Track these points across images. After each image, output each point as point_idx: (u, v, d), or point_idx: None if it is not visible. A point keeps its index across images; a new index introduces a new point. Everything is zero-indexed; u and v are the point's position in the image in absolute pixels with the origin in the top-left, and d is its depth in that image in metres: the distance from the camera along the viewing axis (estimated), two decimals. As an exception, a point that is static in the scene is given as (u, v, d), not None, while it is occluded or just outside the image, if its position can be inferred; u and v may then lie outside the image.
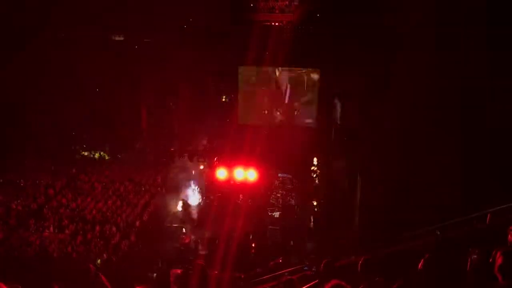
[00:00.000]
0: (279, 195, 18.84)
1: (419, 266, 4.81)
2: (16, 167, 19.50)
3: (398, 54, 13.88)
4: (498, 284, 3.22)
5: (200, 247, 15.61)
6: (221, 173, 18.21)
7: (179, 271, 12.99)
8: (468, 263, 4.93)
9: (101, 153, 22.62)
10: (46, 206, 17.68)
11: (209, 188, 19.52)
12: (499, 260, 3.24)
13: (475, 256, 4.93)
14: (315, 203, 18.48)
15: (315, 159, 19.90)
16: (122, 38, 19.60)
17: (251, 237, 15.98)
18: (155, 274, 13.35)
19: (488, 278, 3.56)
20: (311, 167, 19.91)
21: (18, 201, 17.86)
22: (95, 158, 22.64)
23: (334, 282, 3.87)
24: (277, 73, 20.16)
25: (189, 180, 19.91)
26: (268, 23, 18.75)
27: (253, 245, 15.98)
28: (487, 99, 11.12)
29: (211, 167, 20.03)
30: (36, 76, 19.27)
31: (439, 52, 12.63)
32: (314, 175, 19.49)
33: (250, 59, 18.68)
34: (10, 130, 19.60)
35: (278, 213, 17.51)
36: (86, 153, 22.63)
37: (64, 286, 4.67)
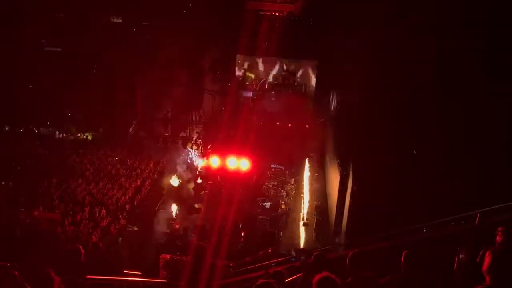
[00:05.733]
0: (270, 185, 18.88)
1: (401, 263, 4.87)
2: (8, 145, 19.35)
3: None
4: (486, 284, 3.25)
5: (190, 233, 15.62)
6: (214, 161, 18.20)
7: (168, 256, 12.99)
8: (456, 263, 4.98)
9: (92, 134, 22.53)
10: (37, 186, 17.61)
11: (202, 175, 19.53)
12: (487, 260, 3.27)
13: (463, 256, 4.97)
14: (305, 195, 18.52)
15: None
16: (120, 21, 19.41)
17: (240, 226, 16.02)
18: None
19: (475, 278, 3.60)
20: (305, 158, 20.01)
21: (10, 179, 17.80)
22: (88, 140, 22.52)
23: (324, 274, 3.89)
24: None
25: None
26: (268, 13, 18.65)
27: (242, 234, 16.01)
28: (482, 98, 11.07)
29: (204, 155, 20.03)
30: (32, 57, 19.06)
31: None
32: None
33: (247, 48, 18.57)
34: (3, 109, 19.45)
35: (269, 203, 17.55)
36: (79, 134, 22.51)
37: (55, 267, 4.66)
